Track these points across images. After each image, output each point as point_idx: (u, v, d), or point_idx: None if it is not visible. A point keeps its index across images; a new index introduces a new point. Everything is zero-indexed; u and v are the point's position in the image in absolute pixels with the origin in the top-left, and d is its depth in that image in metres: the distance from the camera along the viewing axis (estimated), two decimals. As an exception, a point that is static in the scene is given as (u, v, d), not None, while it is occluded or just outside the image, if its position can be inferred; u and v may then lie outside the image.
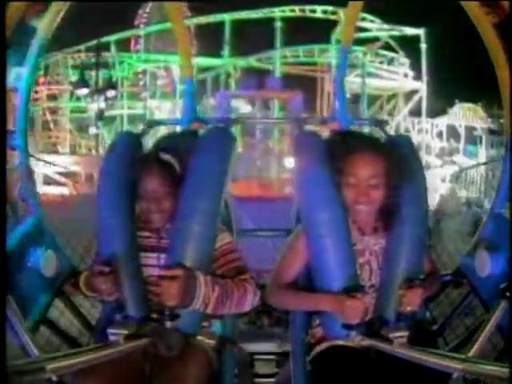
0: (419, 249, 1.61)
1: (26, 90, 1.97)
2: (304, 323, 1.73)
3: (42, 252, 1.87)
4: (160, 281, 1.45)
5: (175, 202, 1.60)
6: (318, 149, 1.68)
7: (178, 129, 2.44)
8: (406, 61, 23.24)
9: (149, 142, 1.92)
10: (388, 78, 22.72)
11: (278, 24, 22.84)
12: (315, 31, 24.28)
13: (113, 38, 22.08)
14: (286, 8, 23.38)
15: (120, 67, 22.49)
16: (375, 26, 22.65)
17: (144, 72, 23.89)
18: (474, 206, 10.69)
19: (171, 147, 1.71)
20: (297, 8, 23.51)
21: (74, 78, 20.32)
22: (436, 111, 21.97)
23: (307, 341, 1.69)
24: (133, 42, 24.20)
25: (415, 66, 22.95)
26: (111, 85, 16.40)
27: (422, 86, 22.54)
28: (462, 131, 19.31)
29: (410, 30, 22.80)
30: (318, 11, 23.63)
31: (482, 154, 15.57)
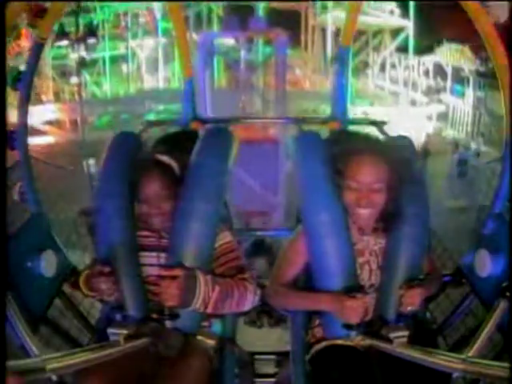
0: (419, 249, 1.61)
1: (26, 90, 1.97)
2: (304, 323, 1.73)
3: (41, 252, 1.87)
4: (160, 281, 1.45)
5: (175, 203, 1.60)
6: (318, 149, 1.68)
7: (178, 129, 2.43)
8: None
9: (148, 142, 1.92)
10: (373, 15, 22.32)
11: None
12: None
13: None
14: None
15: (101, 11, 21.91)
16: (362, -37, 22.07)
17: (125, 13, 23.29)
18: (461, 148, 10.64)
19: (170, 148, 1.71)
20: None
21: (55, 27, 20.31)
22: (423, 49, 21.53)
23: (307, 340, 1.69)
24: None
25: (402, 3, 22.44)
26: (92, 32, 16.10)
27: (409, 24, 22.38)
28: (449, 70, 18.94)
29: None
30: None
31: (470, 94, 15.21)
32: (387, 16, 22.98)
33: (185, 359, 1.49)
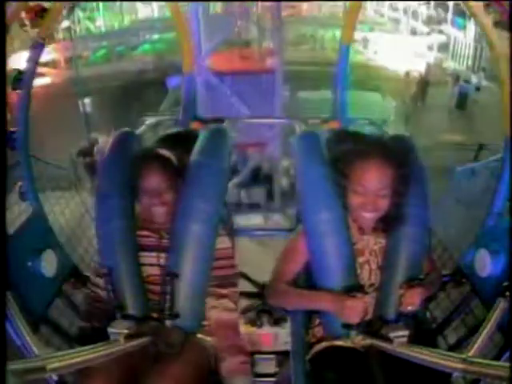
0: (419, 248, 1.61)
1: (27, 90, 1.97)
2: (304, 322, 1.73)
3: (42, 252, 1.87)
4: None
5: (176, 195, 1.60)
6: (319, 148, 1.68)
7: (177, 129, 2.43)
8: None
9: (148, 142, 1.92)
10: None
11: None
12: None
13: None
14: None
15: None
16: None
17: None
18: (462, 81, 10.57)
19: (170, 148, 1.71)
20: None
21: None
22: None
23: (307, 340, 1.69)
24: None
25: None
26: None
27: None
28: (450, 2, 18.79)
29: None
30: None
31: (471, 28, 15.02)
32: None
33: (185, 357, 1.49)
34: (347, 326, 1.49)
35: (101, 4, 20.80)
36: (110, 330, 1.48)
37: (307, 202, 1.63)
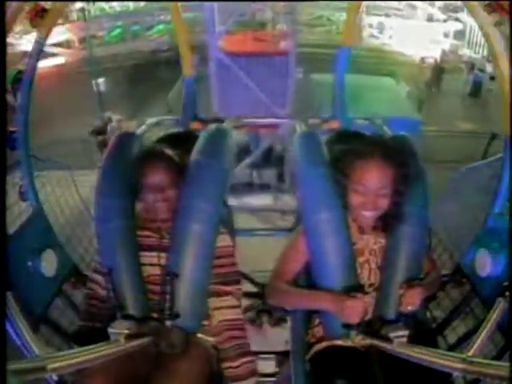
0: (419, 248, 1.61)
1: (26, 91, 1.97)
2: (304, 322, 1.74)
3: (42, 252, 1.87)
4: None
5: (178, 193, 1.60)
6: (319, 148, 1.68)
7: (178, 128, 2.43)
8: None
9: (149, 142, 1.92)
10: None
11: None
12: None
13: None
14: None
15: None
16: None
17: None
18: (476, 69, 10.53)
19: (171, 146, 1.72)
20: None
21: None
22: None
23: (307, 340, 1.69)
24: None
25: None
26: None
27: None
28: None
29: None
30: None
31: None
32: None
33: (185, 358, 1.50)
34: (347, 326, 1.49)
35: None
36: (111, 330, 1.48)
37: (307, 202, 1.63)
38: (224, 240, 1.68)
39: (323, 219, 1.55)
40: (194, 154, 1.67)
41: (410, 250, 1.58)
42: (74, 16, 19.16)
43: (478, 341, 1.36)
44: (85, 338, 1.61)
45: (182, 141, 1.85)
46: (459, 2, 18.88)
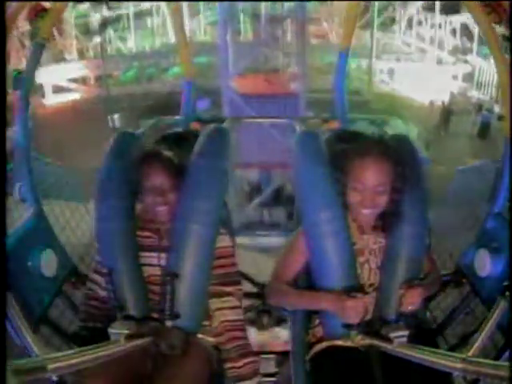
0: (419, 248, 1.61)
1: (26, 91, 1.97)
2: (304, 322, 1.73)
3: (42, 252, 1.87)
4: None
5: (178, 195, 1.60)
6: (318, 148, 1.68)
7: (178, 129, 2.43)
8: None
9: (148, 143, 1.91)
10: None
11: None
12: None
13: None
14: None
15: None
16: None
17: None
18: (484, 110, 10.62)
19: (170, 147, 1.71)
20: None
21: None
22: (449, 9, 21.02)
23: (307, 340, 1.69)
24: None
25: None
26: None
27: None
28: (475, 32, 18.92)
29: None
30: None
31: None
32: None
33: (185, 358, 1.49)
34: (347, 326, 1.49)
35: (132, 24, 21.11)
36: (111, 330, 1.48)
37: (307, 202, 1.63)
38: (224, 240, 1.68)
39: (323, 219, 1.55)
40: (194, 155, 1.67)
41: (410, 250, 1.58)
42: (91, 53, 19.41)
43: (478, 341, 1.36)
44: (84, 338, 1.61)
45: (182, 141, 1.85)
46: (468, 43, 19.07)
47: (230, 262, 1.68)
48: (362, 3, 2.51)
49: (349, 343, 1.53)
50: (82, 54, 19.73)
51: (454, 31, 20.54)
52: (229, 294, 1.65)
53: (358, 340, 1.51)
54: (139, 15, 21.78)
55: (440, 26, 20.43)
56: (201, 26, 22.35)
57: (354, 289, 1.50)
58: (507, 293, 1.51)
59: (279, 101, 7.21)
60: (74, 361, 1.28)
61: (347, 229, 1.57)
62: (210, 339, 1.63)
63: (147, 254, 1.63)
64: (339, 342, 1.55)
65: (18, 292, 1.55)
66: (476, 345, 1.34)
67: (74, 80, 14.51)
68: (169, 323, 1.53)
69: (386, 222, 1.59)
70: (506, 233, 1.76)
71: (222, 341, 1.62)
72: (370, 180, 1.49)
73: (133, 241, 1.62)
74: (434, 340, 1.86)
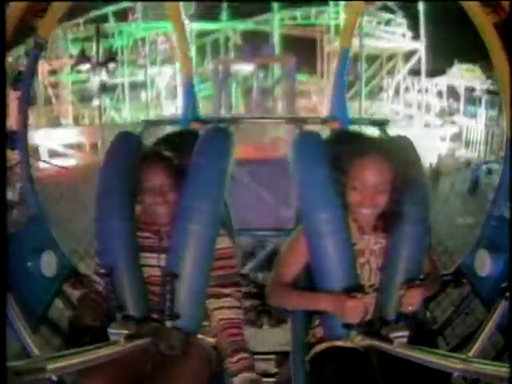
0: (420, 249, 1.61)
1: (26, 91, 1.97)
2: (304, 323, 1.73)
3: (41, 252, 1.87)
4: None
5: (178, 195, 1.60)
6: (318, 148, 1.68)
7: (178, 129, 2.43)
8: (404, 21, 23.03)
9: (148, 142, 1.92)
10: (386, 39, 22.53)
11: None
12: None
13: (110, 9, 21.66)
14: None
15: (119, 37, 22.19)
16: (373, -13, 22.23)
17: (143, 40, 23.41)
18: (473, 165, 10.71)
19: (170, 148, 1.71)
20: (293, -31, 22.72)
21: (74, 51, 20.48)
22: (435, 71, 21.79)
23: (307, 341, 1.69)
24: (130, 15, 24.14)
25: (413, 26, 22.69)
26: (112, 57, 16.90)
27: (421, 47, 22.33)
28: (461, 91, 19.16)
29: None
30: (315, -28, 22.86)
31: (482, 113, 15.47)
32: (399, 39, 23.07)
33: (185, 358, 1.49)
34: (347, 327, 1.49)
35: (127, 96, 21.56)
36: (110, 330, 1.48)
37: (307, 202, 1.62)
38: (224, 242, 1.67)
39: (323, 220, 1.55)
40: (194, 155, 1.67)
41: (411, 250, 1.58)
42: (86, 120, 19.79)
43: (478, 341, 1.36)
44: (81, 335, 1.60)
45: (182, 141, 1.85)
46: (454, 104, 19.34)
47: (229, 263, 1.68)
48: (363, 3, 2.50)
49: (349, 344, 1.53)
50: (77, 121, 20.15)
51: (440, 93, 20.93)
52: (227, 295, 1.64)
53: (358, 340, 1.51)
54: (134, 86, 22.23)
55: (426, 90, 20.84)
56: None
57: (354, 289, 1.50)
58: (507, 293, 1.51)
59: (270, 164, 7.41)
60: (73, 361, 1.28)
61: (347, 229, 1.57)
62: (210, 339, 1.63)
63: (147, 254, 1.63)
64: (339, 343, 1.55)
65: (18, 292, 1.55)
66: (476, 345, 1.34)
67: (70, 146, 14.85)
68: (168, 323, 1.53)
69: (387, 222, 1.58)
70: (506, 233, 1.75)
71: (220, 339, 1.62)
72: (369, 179, 1.50)
73: (133, 241, 1.62)
74: (434, 340, 1.87)
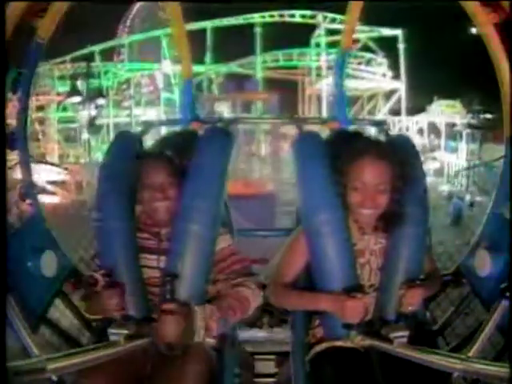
0: (420, 248, 1.61)
1: (26, 92, 1.97)
2: (304, 323, 1.73)
3: (41, 252, 1.87)
4: (160, 316, 1.41)
5: (177, 193, 1.60)
6: (318, 148, 1.68)
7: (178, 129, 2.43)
8: (384, 61, 23.76)
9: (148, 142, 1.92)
10: (367, 79, 23.16)
11: (258, 30, 23.20)
12: (295, 36, 24.58)
13: (97, 48, 22.77)
14: (266, 14, 23.42)
15: (105, 76, 23.16)
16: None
17: (128, 81, 24.42)
18: (456, 198, 10.80)
19: (171, 146, 1.71)
20: (276, 13, 23.53)
21: (60, 88, 21.34)
22: (416, 109, 22.46)
23: (307, 341, 1.69)
24: (115, 54, 24.91)
25: (393, 65, 23.51)
26: (101, 93, 17.56)
27: (401, 86, 23.07)
28: (442, 128, 19.50)
29: (387, 31, 23.17)
30: (297, 16, 23.72)
31: (463, 148, 15.64)
32: (380, 78, 23.64)
33: (185, 358, 1.49)
34: (347, 327, 1.49)
35: (111, 130, 22.06)
36: (111, 330, 1.48)
37: (307, 203, 1.63)
38: (226, 240, 1.67)
39: (323, 220, 1.55)
40: (194, 154, 1.67)
41: (411, 250, 1.58)
42: (72, 159, 20.19)
43: (478, 341, 1.36)
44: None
45: (182, 141, 1.85)
46: (435, 140, 19.54)
47: (240, 257, 1.66)
48: (361, 3, 2.50)
49: (349, 344, 1.53)
50: (62, 160, 20.49)
51: (421, 131, 21.20)
52: (241, 285, 1.60)
53: (358, 340, 1.51)
54: (118, 128, 22.86)
55: (407, 129, 21.04)
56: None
57: (354, 289, 1.50)
58: (507, 293, 1.51)
59: (256, 199, 7.73)
60: (73, 361, 1.28)
61: (348, 229, 1.57)
62: (210, 340, 1.63)
63: (147, 255, 1.63)
64: (339, 343, 1.55)
65: (18, 292, 1.55)
66: (476, 345, 1.34)
67: (55, 183, 15.12)
68: None
69: (387, 222, 1.58)
70: (506, 233, 1.75)
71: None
72: (369, 179, 1.50)
73: (133, 241, 1.62)
74: (434, 340, 1.87)
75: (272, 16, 23.80)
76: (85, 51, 20.62)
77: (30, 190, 2.02)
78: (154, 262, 1.62)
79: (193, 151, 1.68)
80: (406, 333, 1.48)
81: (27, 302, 1.68)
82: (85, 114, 16.16)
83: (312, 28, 23.86)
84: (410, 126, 21.39)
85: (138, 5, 24.09)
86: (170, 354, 1.47)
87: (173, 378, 1.45)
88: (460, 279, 2.08)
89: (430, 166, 16.56)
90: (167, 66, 22.56)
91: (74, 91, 16.06)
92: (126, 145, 1.75)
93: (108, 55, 24.18)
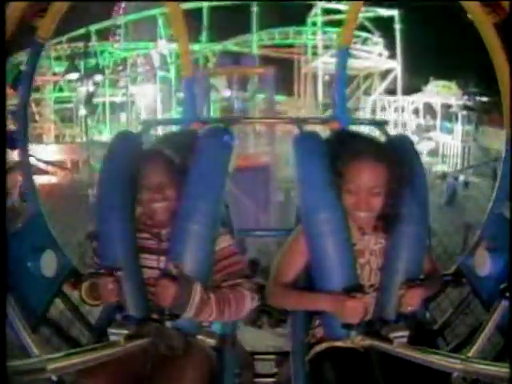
0: (419, 248, 1.61)
1: (26, 89, 1.97)
2: (304, 323, 1.73)
3: (41, 252, 1.87)
4: (157, 280, 1.46)
5: (177, 194, 1.60)
6: (318, 148, 1.68)
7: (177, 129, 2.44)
8: (380, 40, 23.69)
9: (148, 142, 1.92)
10: (363, 58, 23.05)
11: (255, 9, 22.95)
12: (291, 14, 24.26)
13: (93, 28, 22.53)
14: (262, -7, 23.34)
15: (101, 56, 23.00)
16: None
17: (124, 60, 24.34)
18: (450, 178, 10.81)
19: (171, 146, 1.71)
20: (272, -8, 23.32)
21: (57, 69, 21.24)
22: (411, 89, 22.41)
23: (307, 341, 1.69)
24: (111, 35, 24.86)
25: (389, 45, 23.41)
26: (98, 69, 17.51)
27: (397, 65, 22.97)
28: (437, 108, 19.43)
29: (384, 11, 23.00)
30: (293, -6, 23.56)
31: (458, 130, 15.58)
32: (376, 58, 23.51)
33: (185, 359, 1.49)
34: (347, 327, 1.49)
35: (107, 116, 22.21)
36: (111, 330, 1.48)
37: (307, 202, 1.62)
38: (226, 240, 1.67)
39: (323, 220, 1.55)
40: (194, 154, 1.67)
41: (411, 250, 1.58)
42: (68, 139, 20.38)
43: (478, 341, 1.36)
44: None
45: (182, 141, 1.85)
46: (431, 121, 19.56)
47: (238, 259, 1.66)
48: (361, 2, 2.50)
49: (349, 344, 1.53)
50: (58, 140, 20.60)
51: (416, 111, 21.07)
52: (238, 285, 1.61)
53: (358, 341, 1.51)
54: (114, 108, 22.78)
55: (403, 110, 21.05)
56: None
57: (354, 289, 1.50)
58: (507, 293, 1.51)
59: (251, 172, 7.80)
60: (73, 361, 1.28)
61: (347, 229, 1.57)
62: (210, 340, 1.63)
63: (147, 256, 1.63)
64: (339, 343, 1.55)
65: (18, 292, 1.55)
66: (476, 345, 1.34)
67: (52, 163, 15.23)
68: (168, 324, 1.53)
69: (387, 222, 1.58)
70: (506, 233, 1.75)
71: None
72: (364, 181, 1.49)
73: (133, 241, 1.62)
74: (434, 340, 1.86)
75: (268, -6, 23.71)
76: (81, 31, 20.50)
77: (30, 189, 2.02)
78: (154, 263, 1.62)
79: (193, 151, 1.68)
80: (405, 333, 1.48)
81: (27, 302, 1.68)
82: (83, 89, 16.20)
83: (309, 7, 23.80)
84: (405, 105, 21.32)
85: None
86: (170, 354, 1.48)
87: (173, 378, 1.46)
88: (460, 279, 2.08)
89: (424, 147, 16.68)
90: (163, 46, 22.43)
91: (71, 68, 16.12)
92: (126, 144, 1.75)
93: (104, 35, 24.08)
